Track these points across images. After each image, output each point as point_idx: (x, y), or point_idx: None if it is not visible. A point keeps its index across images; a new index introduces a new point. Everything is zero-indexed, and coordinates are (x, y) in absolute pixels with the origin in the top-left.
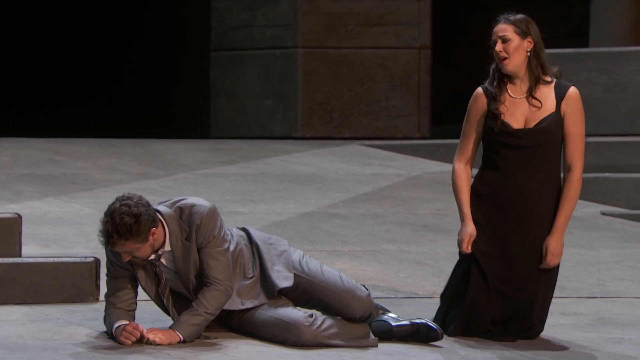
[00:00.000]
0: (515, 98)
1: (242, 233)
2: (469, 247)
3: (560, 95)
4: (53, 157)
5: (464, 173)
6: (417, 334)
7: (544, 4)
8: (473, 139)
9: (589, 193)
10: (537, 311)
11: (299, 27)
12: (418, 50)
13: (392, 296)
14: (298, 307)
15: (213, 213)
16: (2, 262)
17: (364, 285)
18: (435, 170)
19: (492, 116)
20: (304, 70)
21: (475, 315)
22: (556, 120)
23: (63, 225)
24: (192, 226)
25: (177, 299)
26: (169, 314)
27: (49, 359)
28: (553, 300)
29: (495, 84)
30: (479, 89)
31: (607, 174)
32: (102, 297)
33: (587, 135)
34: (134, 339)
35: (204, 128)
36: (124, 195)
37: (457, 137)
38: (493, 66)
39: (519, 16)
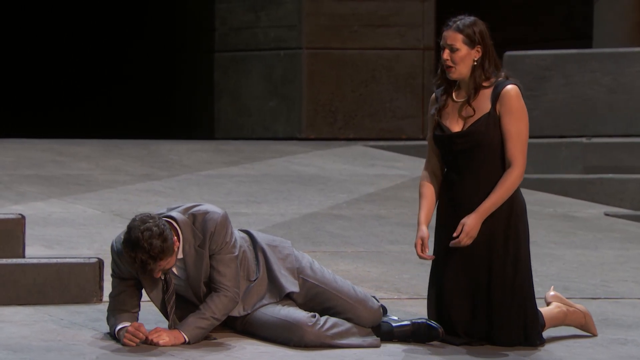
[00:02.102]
0: (458, 102)
1: (244, 235)
2: (424, 251)
3: (495, 95)
4: (56, 158)
5: (427, 180)
6: (417, 334)
7: (545, 6)
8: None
9: (592, 194)
10: (504, 315)
11: (302, 28)
12: (422, 51)
13: (396, 297)
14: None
15: (226, 220)
16: (6, 263)
17: (374, 297)
18: None
19: (432, 121)
20: (308, 71)
21: (450, 320)
22: (490, 120)
23: (66, 226)
24: (206, 233)
25: (180, 304)
26: (168, 319)
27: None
28: None
29: (441, 87)
30: (433, 95)
31: (610, 175)
32: (105, 297)
33: (591, 135)
34: (138, 341)
35: (208, 129)
36: (136, 220)
37: None
38: (441, 70)
39: (470, 22)
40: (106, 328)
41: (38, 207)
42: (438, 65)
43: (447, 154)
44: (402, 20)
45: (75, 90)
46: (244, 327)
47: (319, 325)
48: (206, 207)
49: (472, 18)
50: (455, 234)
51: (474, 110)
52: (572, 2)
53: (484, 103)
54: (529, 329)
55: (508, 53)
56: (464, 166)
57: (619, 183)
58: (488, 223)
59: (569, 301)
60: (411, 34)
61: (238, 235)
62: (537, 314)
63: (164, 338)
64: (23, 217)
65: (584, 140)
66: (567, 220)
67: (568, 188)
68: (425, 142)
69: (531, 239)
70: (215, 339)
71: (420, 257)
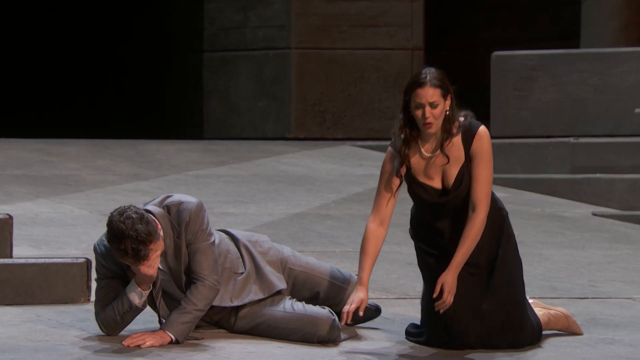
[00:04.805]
0: (430, 156)
1: (222, 234)
2: (349, 318)
3: (467, 143)
4: (45, 158)
5: (374, 234)
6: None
7: (532, 6)
8: (387, 198)
9: (580, 194)
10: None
11: (292, 28)
12: (411, 51)
13: (384, 297)
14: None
15: (200, 208)
16: None
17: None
18: None
19: (411, 182)
20: (297, 72)
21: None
22: (469, 169)
23: (54, 226)
24: (182, 224)
25: (166, 299)
26: (158, 314)
27: None
28: (544, 300)
29: (405, 146)
30: (391, 149)
31: (598, 175)
32: (93, 297)
33: (580, 136)
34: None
35: (197, 129)
36: (114, 214)
37: None
38: (401, 125)
39: (437, 73)
40: (94, 328)
41: (26, 207)
42: (403, 119)
43: (427, 207)
44: (391, 20)
45: (65, 90)
46: (241, 326)
47: (336, 319)
48: (179, 197)
49: (433, 69)
50: (435, 295)
51: (448, 158)
52: (560, 3)
53: (457, 150)
54: (524, 329)
55: (496, 53)
56: (446, 216)
57: (606, 183)
58: (484, 247)
59: (548, 305)
60: (400, 34)
61: (215, 231)
62: (528, 316)
63: (150, 342)
64: (10, 217)
65: (571, 140)
66: (555, 220)
67: (556, 188)
68: None
69: (519, 239)
70: (202, 338)
71: (346, 322)
